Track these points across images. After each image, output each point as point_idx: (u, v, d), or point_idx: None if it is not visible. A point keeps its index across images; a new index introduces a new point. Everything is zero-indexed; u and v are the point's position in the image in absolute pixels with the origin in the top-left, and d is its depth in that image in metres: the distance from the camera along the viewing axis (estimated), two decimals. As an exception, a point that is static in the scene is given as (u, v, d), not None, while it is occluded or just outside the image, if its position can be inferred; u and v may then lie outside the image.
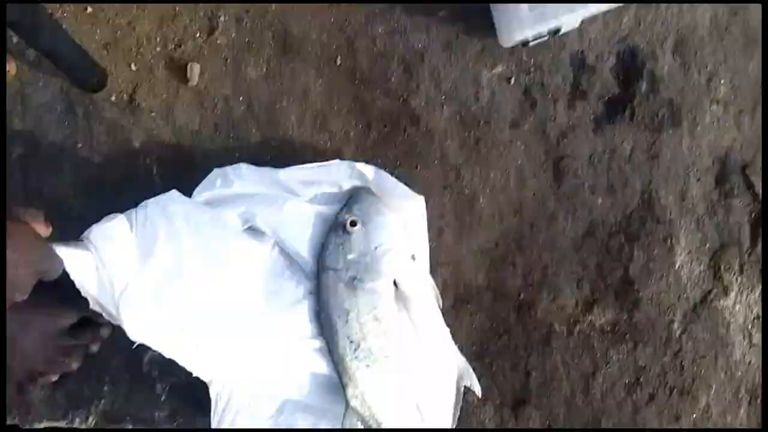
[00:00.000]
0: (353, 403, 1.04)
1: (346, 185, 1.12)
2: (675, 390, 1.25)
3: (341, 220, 1.06)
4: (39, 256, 0.83)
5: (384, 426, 1.05)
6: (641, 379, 1.25)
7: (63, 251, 0.86)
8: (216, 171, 1.08)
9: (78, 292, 0.90)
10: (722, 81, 1.30)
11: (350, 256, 1.05)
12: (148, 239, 0.97)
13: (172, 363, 0.99)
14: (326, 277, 1.06)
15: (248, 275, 1.02)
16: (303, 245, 1.08)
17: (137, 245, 0.95)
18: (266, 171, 1.09)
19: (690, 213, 1.29)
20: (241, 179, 1.08)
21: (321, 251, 1.07)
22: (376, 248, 1.05)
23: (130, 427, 1.13)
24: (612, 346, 1.25)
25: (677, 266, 1.26)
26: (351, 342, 1.04)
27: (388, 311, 1.05)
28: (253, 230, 1.07)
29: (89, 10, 1.15)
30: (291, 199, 1.08)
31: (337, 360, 1.05)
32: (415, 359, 1.06)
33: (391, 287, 1.05)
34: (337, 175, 1.11)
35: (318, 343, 1.07)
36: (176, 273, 0.96)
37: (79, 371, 1.00)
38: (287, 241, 1.07)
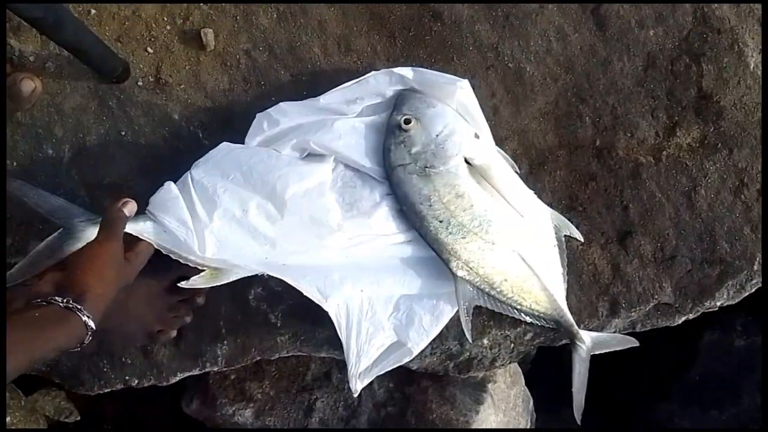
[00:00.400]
0: (460, 274, 1.06)
1: (389, 93, 1.11)
2: None
3: (395, 122, 1.07)
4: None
5: (496, 286, 1.08)
6: (745, 180, 1.20)
7: (132, 228, 0.97)
8: (259, 116, 1.09)
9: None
10: None
11: (414, 150, 1.06)
12: (209, 194, 1.01)
13: (276, 293, 1.01)
14: (397, 174, 1.06)
15: (318, 195, 1.02)
16: (364, 156, 1.08)
17: (199, 202, 1.01)
18: (307, 102, 1.11)
19: (750, 15, 1.22)
20: (285, 116, 1.09)
21: (384, 154, 1.07)
22: (437, 136, 1.06)
23: (258, 358, 1.16)
24: (706, 159, 1.20)
25: (752, 67, 1.20)
26: (441, 222, 1.05)
27: (467, 186, 1.06)
28: (311, 156, 1.07)
29: (92, 12, 1.17)
30: (339, 119, 1.07)
31: (432, 241, 1.06)
32: (508, 221, 1.08)
33: (464, 165, 1.06)
34: (377, 85, 1.10)
35: (409, 235, 1.08)
36: (244, 214, 1.01)
37: (195, 324, 1.04)
38: (347, 156, 1.06)
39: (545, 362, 1.44)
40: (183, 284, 1.00)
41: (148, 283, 1.02)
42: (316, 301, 1.00)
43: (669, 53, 1.20)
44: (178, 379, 1.19)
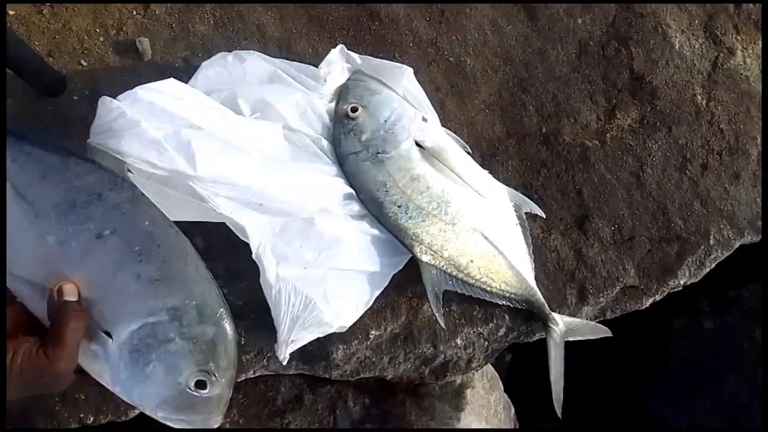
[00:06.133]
0: (425, 258, 1.18)
1: (347, 72, 1.26)
2: (724, 152, 1.41)
3: (342, 111, 1.22)
4: None
5: (463, 269, 1.19)
6: (688, 155, 1.40)
7: None
8: (225, 52, 1.20)
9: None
10: None
11: (365, 137, 1.20)
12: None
13: (236, 308, 1.07)
14: (350, 163, 1.20)
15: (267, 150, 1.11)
16: (319, 134, 1.21)
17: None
18: (279, 61, 1.23)
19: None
20: (255, 60, 1.20)
21: (335, 145, 1.21)
22: (385, 121, 1.21)
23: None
24: (648, 138, 1.40)
25: (677, 47, 1.42)
26: (399, 207, 1.18)
27: (422, 169, 1.20)
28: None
29: (20, 29, 1.24)
30: (304, 93, 1.20)
31: (393, 228, 1.18)
32: (467, 201, 1.21)
33: (416, 148, 1.21)
34: (336, 60, 1.25)
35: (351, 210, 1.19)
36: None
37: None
38: (302, 131, 1.18)
39: (522, 367, 1.51)
40: None
41: None
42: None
43: (599, 39, 1.42)
44: (136, 413, 1.21)
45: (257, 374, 1.25)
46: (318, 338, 1.13)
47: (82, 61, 1.27)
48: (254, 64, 1.21)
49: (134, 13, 1.30)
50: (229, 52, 1.29)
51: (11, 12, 1.26)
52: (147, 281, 0.90)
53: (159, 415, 0.90)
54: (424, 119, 1.23)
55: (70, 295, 0.86)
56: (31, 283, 0.88)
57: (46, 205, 0.91)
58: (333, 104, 1.23)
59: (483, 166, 1.33)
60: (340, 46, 1.25)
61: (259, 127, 1.12)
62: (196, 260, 0.95)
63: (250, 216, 1.08)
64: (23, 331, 0.85)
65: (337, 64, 1.24)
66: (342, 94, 1.23)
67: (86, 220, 0.91)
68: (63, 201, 0.92)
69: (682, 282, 1.37)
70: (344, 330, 1.16)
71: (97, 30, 1.28)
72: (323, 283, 1.11)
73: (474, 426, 1.32)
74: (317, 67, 1.23)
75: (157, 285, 0.91)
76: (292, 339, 1.09)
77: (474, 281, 1.20)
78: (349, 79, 1.24)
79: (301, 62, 1.31)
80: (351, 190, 1.19)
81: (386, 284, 1.20)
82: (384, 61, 1.25)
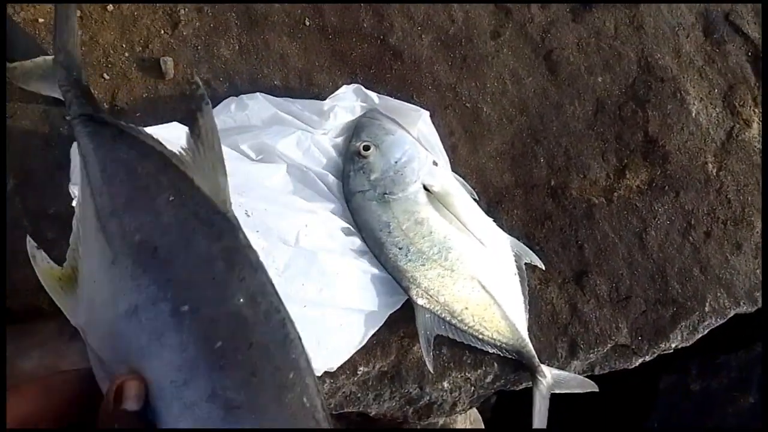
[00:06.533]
0: (420, 302, 1.21)
1: (358, 108, 1.28)
2: (728, 222, 1.42)
3: (354, 149, 1.24)
4: None
5: (457, 315, 1.22)
6: (692, 222, 1.41)
7: None
8: (231, 98, 1.24)
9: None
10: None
11: (374, 176, 1.23)
12: None
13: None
14: (356, 201, 1.23)
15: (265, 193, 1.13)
16: (324, 170, 1.24)
17: None
18: (282, 101, 1.26)
19: (690, 66, 1.45)
20: (257, 103, 1.23)
21: (344, 181, 1.24)
22: (395, 162, 1.24)
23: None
24: (655, 201, 1.42)
25: (694, 114, 1.42)
26: (400, 249, 1.20)
27: (427, 213, 1.22)
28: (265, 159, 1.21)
29: (48, 38, 1.27)
30: (305, 131, 1.23)
31: (392, 269, 1.21)
32: (468, 248, 1.23)
33: (423, 191, 1.24)
34: (345, 98, 1.27)
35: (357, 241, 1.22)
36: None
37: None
38: (307, 167, 1.21)
39: (506, 410, 1.53)
40: None
41: None
42: None
43: (617, 99, 1.42)
44: None
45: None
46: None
47: (105, 75, 1.30)
48: (257, 107, 1.23)
49: (162, 32, 1.32)
50: (250, 79, 1.33)
51: (41, 20, 1.29)
52: (222, 405, 0.54)
53: None
54: (435, 163, 1.26)
55: (131, 400, 0.56)
56: (99, 359, 0.61)
57: (125, 246, 0.62)
58: (339, 139, 1.26)
59: (488, 212, 1.35)
60: (355, 85, 1.27)
61: (262, 169, 1.15)
62: (305, 379, 0.58)
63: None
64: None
65: (345, 100, 1.26)
66: (356, 131, 1.25)
67: (165, 282, 0.59)
68: (143, 242, 0.62)
69: (673, 345, 1.38)
70: (332, 371, 1.19)
71: (124, 45, 1.31)
72: (320, 325, 1.13)
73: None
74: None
75: (234, 416, 0.55)
76: None
77: (467, 328, 1.23)
78: (364, 116, 1.27)
79: (318, 95, 1.34)
80: (353, 226, 1.22)
81: (381, 324, 1.23)
82: (402, 102, 1.28)
